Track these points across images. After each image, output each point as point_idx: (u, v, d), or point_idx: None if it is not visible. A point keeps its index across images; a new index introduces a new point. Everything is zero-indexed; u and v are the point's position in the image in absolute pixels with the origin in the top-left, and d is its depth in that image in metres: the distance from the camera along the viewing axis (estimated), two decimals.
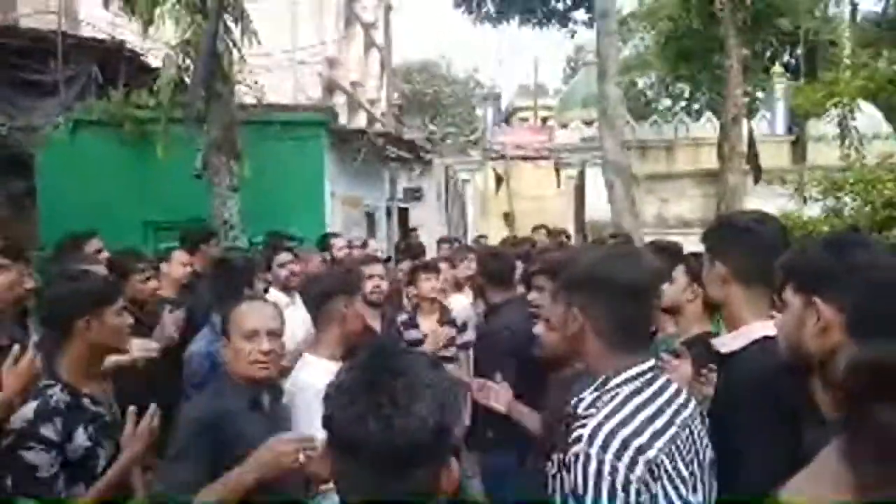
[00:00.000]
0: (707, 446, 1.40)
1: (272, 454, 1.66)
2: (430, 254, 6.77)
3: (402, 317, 3.90)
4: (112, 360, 2.21)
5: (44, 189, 7.42)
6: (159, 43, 6.21)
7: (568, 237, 9.33)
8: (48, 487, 1.73)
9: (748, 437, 1.47)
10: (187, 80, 5.81)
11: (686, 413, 1.37)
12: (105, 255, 3.47)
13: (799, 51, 15.38)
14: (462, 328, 3.87)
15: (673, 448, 1.27)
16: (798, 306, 1.30)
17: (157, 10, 5.67)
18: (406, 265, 4.98)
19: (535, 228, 8.87)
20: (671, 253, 3.56)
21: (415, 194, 11.68)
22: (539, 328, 2.31)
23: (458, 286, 4.57)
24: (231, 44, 5.81)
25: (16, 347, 1.86)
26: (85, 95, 8.25)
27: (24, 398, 1.77)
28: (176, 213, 6.67)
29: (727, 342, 1.67)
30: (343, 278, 2.53)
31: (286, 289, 3.72)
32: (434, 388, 0.88)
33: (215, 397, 1.95)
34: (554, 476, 1.35)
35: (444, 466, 0.90)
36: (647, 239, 9.11)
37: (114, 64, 8.46)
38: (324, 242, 5.08)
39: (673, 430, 1.30)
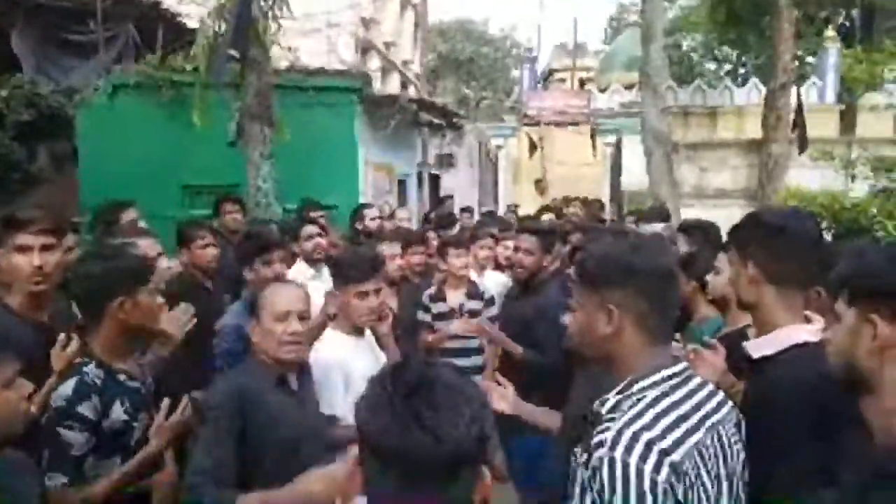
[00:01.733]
0: (739, 452, 1.37)
1: (312, 492, 1.67)
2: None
3: (430, 290, 3.91)
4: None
5: (84, 151, 7.56)
6: (197, 5, 6.19)
7: (602, 207, 9.21)
8: (78, 466, 1.78)
9: (783, 448, 1.43)
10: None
11: (716, 418, 1.34)
12: (141, 224, 3.54)
13: (855, 14, 14.57)
14: (489, 302, 3.87)
15: (696, 454, 1.25)
16: (853, 319, 1.23)
17: None
18: (431, 234, 4.96)
19: (569, 200, 8.77)
20: (708, 234, 3.47)
21: (447, 161, 11.56)
22: (567, 317, 2.28)
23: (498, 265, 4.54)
24: (265, 8, 5.76)
25: (62, 335, 1.94)
26: (123, 57, 8.34)
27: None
28: (213, 177, 6.77)
29: (759, 346, 1.60)
30: (363, 264, 2.52)
31: (312, 261, 3.75)
32: (469, 397, 0.90)
33: (243, 375, 1.99)
34: (574, 471, 1.35)
35: (479, 475, 0.92)
36: (685, 211, 8.95)
37: (152, 25, 8.51)
38: (356, 213, 5.09)
39: (697, 436, 1.27)
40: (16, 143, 7.00)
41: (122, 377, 1.94)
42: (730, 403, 1.43)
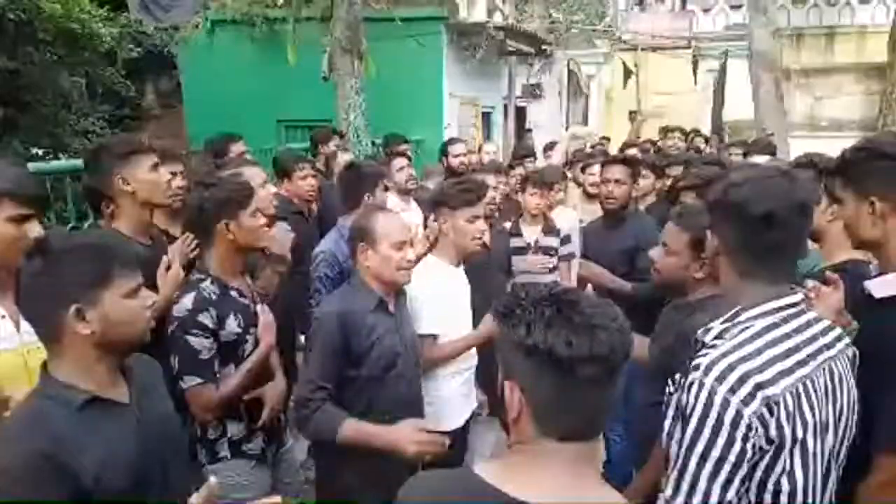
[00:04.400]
0: (851, 390, 1.33)
1: (404, 443, 1.90)
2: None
3: (507, 224, 3.92)
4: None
5: (187, 87, 7.96)
6: None
7: (706, 140, 8.66)
8: (208, 368, 2.00)
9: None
10: None
11: (830, 353, 1.30)
12: (248, 157, 3.73)
13: None
14: (565, 240, 3.84)
15: (801, 389, 1.22)
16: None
17: None
18: (520, 171, 4.91)
19: (665, 130, 8.32)
20: (821, 170, 3.23)
21: (534, 91, 11.16)
22: (655, 252, 2.25)
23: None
24: None
25: (164, 258, 2.14)
26: None
27: (181, 291, 2.05)
28: (307, 112, 6.96)
29: (884, 285, 1.49)
30: (474, 189, 2.59)
31: (404, 192, 3.83)
32: (612, 310, 0.97)
33: (347, 297, 2.15)
34: (670, 395, 1.39)
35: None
36: (794, 143, 8.29)
37: None
38: (444, 149, 5.10)
39: (806, 370, 1.24)
40: (126, 80, 7.46)
41: (234, 293, 2.12)
42: (846, 339, 1.38)
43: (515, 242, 3.79)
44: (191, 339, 1.97)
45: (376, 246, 2.12)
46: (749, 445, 1.19)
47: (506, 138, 10.14)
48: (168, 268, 2.13)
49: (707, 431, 1.19)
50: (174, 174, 2.47)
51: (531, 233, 3.78)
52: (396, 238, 2.12)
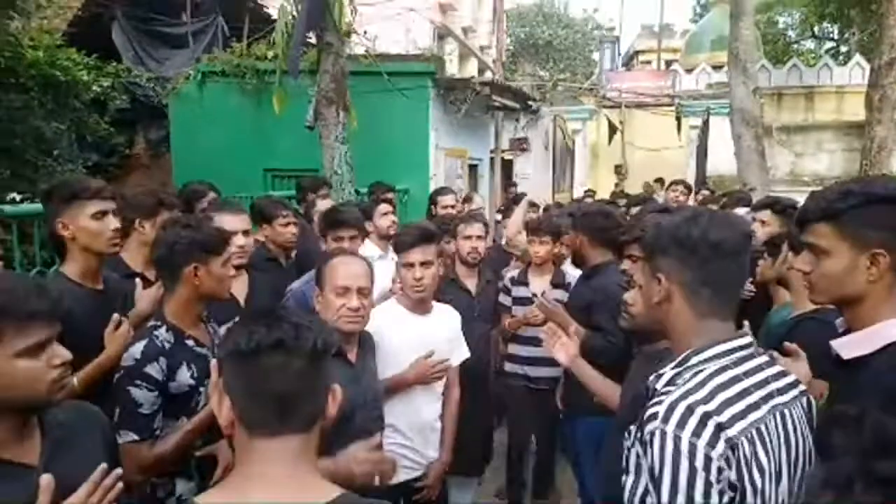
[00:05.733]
0: (805, 438, 1.27)
1: (353, 471, 1.74)
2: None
3: (513, 273, 3.79)
4: None
5: (175, 137, 7.98)
6: None
7: (690, 189, 8.73)
8: (148, 424, 1.86)
9: None
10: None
11: (782, 399, 1.26)
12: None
13: None
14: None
15: (755, 433, 1.18)
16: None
17: None
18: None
19: (656, 181, 8.41)
20: (788, 213, 3.23)
21: (520, 145, 11.33)
22: (629, 295, 2.18)
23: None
24: None
25: (115, 316, 2.04)
26: (213, 47, 8.76)
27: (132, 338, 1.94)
28: (293, 162, 6.98)
29: (851, 345, 1.38)
30: (409, 235, 2.52)
31: (385, 237, 3.78)
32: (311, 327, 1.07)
33: None
34: (629, 449, 1.30)
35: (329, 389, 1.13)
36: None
37: (239, 15, 8.90)
38: (432, 199, 5.08)
39: (758, 414, 1.20)
40: (114, 129, 7.47)
41: (190, 342, 2.00)
42: (801, 387, 1.34)
43: (520, 292, 3.63)
44: (134, 390, 1.85)
45: (324, 291, 2.06)
46: (719, 490, 1.14)
47: (492, 190, 10.21)
48: (118, 325, 2.02)
49: (683, 484, 1.13)
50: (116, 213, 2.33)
51: (539, 283, 3.60)
52: (339, 283, 2.03)
